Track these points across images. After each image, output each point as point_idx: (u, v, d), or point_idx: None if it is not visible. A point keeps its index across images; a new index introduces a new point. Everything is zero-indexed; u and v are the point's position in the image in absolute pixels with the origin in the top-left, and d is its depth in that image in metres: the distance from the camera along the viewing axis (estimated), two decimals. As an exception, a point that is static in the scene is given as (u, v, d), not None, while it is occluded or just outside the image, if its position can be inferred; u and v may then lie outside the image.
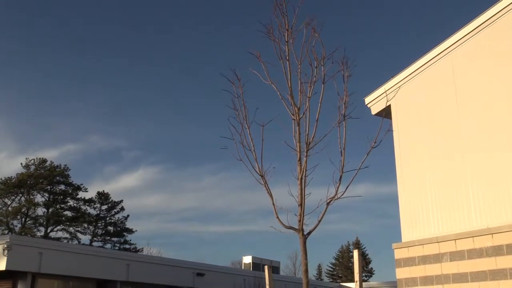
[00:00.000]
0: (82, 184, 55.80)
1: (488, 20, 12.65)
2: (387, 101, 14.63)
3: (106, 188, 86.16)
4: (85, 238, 55.82)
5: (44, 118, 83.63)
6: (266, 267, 9.69)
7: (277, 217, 8.53)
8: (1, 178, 51.92)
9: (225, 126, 8.97)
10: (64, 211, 54.36)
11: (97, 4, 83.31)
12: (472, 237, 11.87)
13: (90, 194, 56.95)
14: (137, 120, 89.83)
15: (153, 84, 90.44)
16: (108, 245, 56.30)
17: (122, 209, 58.18)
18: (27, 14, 78.80)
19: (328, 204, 8.47)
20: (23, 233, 48.77)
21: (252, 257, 44.56)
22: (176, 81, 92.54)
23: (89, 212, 56.18)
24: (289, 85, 8.94)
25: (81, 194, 55.87)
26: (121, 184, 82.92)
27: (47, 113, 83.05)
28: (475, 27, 12.94)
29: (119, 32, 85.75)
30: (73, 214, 54.47)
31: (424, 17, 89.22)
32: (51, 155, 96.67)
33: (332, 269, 75.38)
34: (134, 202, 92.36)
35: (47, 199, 53.76)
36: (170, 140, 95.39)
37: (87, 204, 56.16)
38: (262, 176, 8.73)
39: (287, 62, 9.03)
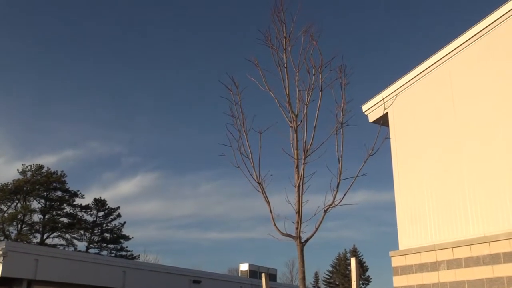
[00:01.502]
0: (78, 191, 55.78)
1: (486, 29, 12.70)
2: (385, 108, 14.65)
3: (104, 195, 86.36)
4: (81, 245, 55.71)
5: (43, 123, 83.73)
6: (263, 274, 9.67)
7: (275, 225, 8.51)
8: (-3, 184, 51.79)
9: (223, 133, 8.97)
10: (60, 218, 54.21)
11: (97, 9, 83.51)
12: (469, 245, 11.85)
13: (87, 200, 56.91)
14: (137, 126, 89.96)
15: (152, 90, 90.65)
16: (105, 252, 56.13)
17: (119, 215, 58.08)
18: (27, 16, 78.99)
19: (325, 211, 8.46)
20: (19, 240, 48.55)
21: (249, 264, 44.44)
22: (175, 87, 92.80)
23: (85, 219, 56.09)
24: (287, 93, 8.96)
25: (78, 201, 55.85)
26: (119, 191, 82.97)
27: (46, 118, 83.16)
28: (472, 35, 12.98)
29: (119, 38, 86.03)
30: (69, 220, 54.31)
31: (422, 24, 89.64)
32: (50, 161, 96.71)
33: (329, 277, 75.20)
34: (132, 209, 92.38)
35: (44, 205, 53.60)
36: (169, 146, 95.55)
37: (83, 210, 56.04)
38: (259, 183, 8.71)
39: (285, 69, 9.05)
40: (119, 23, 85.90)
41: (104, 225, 57.46)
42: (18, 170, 53.64)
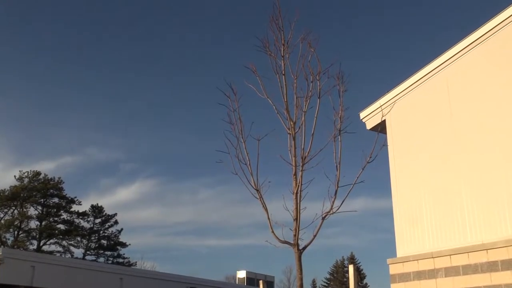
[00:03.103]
0: (75, 197, 55.63)
1: (482, 37, 12.75)
2: (382, 116, 14.66)
3: (102, 201, 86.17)
4: (78, 252, 55.51)
5: (41, 129, 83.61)
6: (260, 282, 9.64)
7: (272, 232, 8.49)
8: (-6, 191, 51.60)
9: (222, 140, 8.96)
10: (57, 224, 54.01)
11: (97, 16, 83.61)
12: (467, 252, 11.84)
13: (84, 207, 56.75)
14: (135, 133, 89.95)
15: (150, 96, 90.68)
16: (102, 259, 55.94)
17: (116, 222, 57.95)
18: (27, 23, 79.02)
19: (323, 218, 8.44)
20: (15, 246, 48.34)
21: (247, 271, 44.30)
22: (173, 94, 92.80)
23: (82, 226, 55.91)
24: (285, 100, 8.96)
25: (75, 207, 55.66)
26: (117, 197, 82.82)
27: (45, 124, 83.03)
28: (469, 43, 13.03)
29: (118, 45, 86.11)
30: (66, 227, 54.10)
31: (420, 31, 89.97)
32: (48, 167, 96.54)
33: (326, 284, 74.99)
34: (130, 215, 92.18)
35: (40, 212, 53.41)
36: (167, 153, 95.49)
37: (80, 217, 55.84)
38: (257, 190, 8.70)
39: (283, 76, 9.06)
40: (117, 29, 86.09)
41: (101, 232, 57.29)
42: (15, 176, 53.57)
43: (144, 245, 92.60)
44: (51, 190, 53.82)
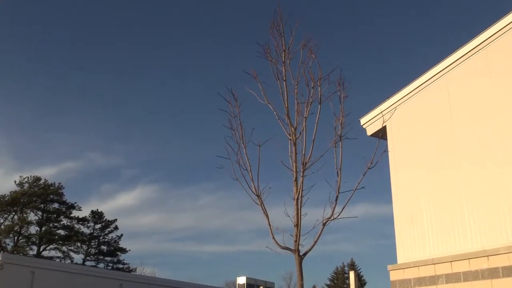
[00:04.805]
0: (75, 203, 55.60)
1: (482, 43, 12.77)
2: (383, 122, 14.67)
3: (103, 207, 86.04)
4: (78, 257, 55.41)
5: (43, 134, 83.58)
6: (260, 288, 9.61)
7: (273, 238, 8.48)
8: (-5, 196, 51.57)
9: (223, 145, 8.96)
10: (57, 230, 53.95)
11: (97, 20, 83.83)
12: (468, 259, 11.81)
13: (84, 212, 56.71)
14: (137, 138, 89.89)
15: (152, 102, 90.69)
16: (101, 265, 55.83)
17: (116, 228, 57.87)
18: (28, 28, 79.17)
19: (324, 224, 8.43)
20: (15, 252, 48.25)
21: (247, 277, 44.10)
22: (174, 99, 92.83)
23: (82, 231, 55.83)
24: (286, 105, 8.97)
25: (75, 213, 55.62)
26: (118, 203, 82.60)
27: (46, 129, 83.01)
28: (469, 49, 13.05)
29: (119, 50, 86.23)
30: (66, 233, 54.04)
31: (421, 37, 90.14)
32: (49, 172, 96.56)
33: (327, 291, 74.75)
34: (130, 221, 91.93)
35: (40, 217, 53.35)
36: (168, 158, 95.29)
37: (80, 223, 55.79)
38: (258, 196, 8.69)
39: (284, 82, 9.07)
40: (117, 34, 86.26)
41: (101, 237, 57.21)
42: (15, 181, 53.56)
43: (144, 251, 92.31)
44: (51, 196, 53.80)
